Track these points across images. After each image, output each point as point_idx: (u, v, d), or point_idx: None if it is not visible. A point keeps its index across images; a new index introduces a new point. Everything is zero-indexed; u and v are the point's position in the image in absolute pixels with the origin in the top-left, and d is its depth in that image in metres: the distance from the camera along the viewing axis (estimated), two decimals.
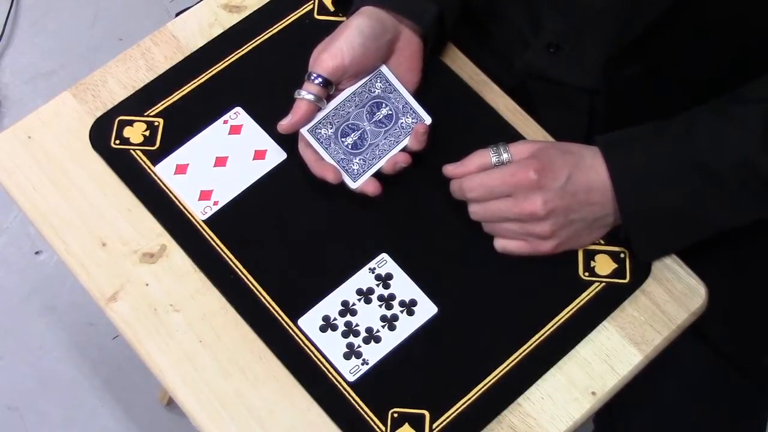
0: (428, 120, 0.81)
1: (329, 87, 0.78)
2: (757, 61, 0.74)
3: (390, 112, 0.81)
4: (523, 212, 0.73)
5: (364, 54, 0.78)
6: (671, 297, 0.78)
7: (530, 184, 0.72)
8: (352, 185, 0.79)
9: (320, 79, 0.77)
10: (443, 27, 0.83)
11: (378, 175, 0.80)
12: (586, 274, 0.78)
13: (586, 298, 0.77)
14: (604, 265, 0.78)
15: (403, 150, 0.80)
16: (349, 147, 0.80)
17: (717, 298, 0.78)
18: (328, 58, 0.77)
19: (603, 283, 0.78)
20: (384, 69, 0.81)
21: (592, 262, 0.78)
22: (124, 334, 0.76)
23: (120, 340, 1.36)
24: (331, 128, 0.80)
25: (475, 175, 0.75)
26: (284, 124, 0.78)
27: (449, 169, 0.78)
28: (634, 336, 0.76)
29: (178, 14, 0.92)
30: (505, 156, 0.75)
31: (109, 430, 1.44)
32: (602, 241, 0.79)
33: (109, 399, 1.46)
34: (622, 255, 0.79)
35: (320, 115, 0.79)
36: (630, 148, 0.74)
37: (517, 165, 0.74)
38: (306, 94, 0.78)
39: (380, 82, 0.81)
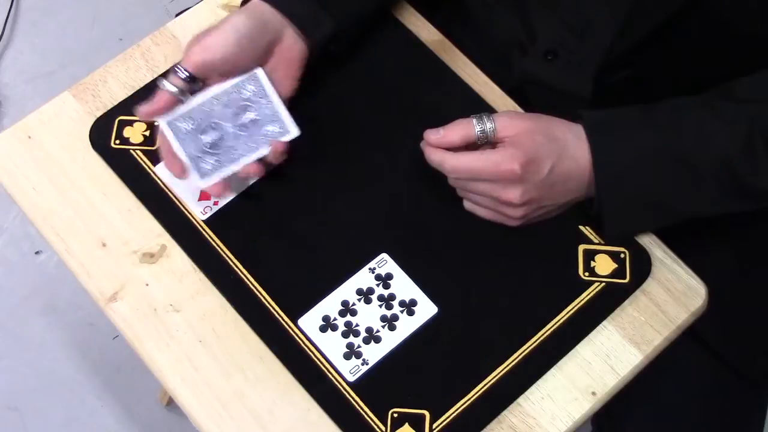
0: (294, 132, 0.77)
1: (195, 82, 0.75)
2: (744, 69, 0.74)
3: (257, 117, 0.77)
4: (500, 198, 0.74)
5: (238, 54, 0.75)
6: (671, 297, 0.78)
7: (513, 177, 0.72)
8: (200, 183, 0.77)
9: (185, 74, 0.74)
10: (338, 44, 0.81)
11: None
12: (586, 274, 0.78)
13: (586, 298, 0.77)
14: (604, 265, 0.78)
15: (262, 160, 0.77)
16: (207, 146, 0.76)
17: (714, 299, 0.78)
18: (198, 51, 0.74)
19: (603, 283, 0.78)
20: (259, 72, 0.77)
21: (592, 262, 0.78)
22: (124, 334, 0.76)
23: (120, 340, 1.36)
24: (191, 123, 0.76)
25: (458, 158, 0.74)
26: (142, 111, 0.75)
27: (432, 139, 0.74)
28: (634, 336, 0.76)
29: (178, 14, 0.92)
30: (489, 126, 0.73)
31: (109, 430, 1.44)
32: (602, 241, 0.79)
33: (109, 399, 1.46)
34: (622, 255, 0.79)
35: (183, 108, 0.76)
36: (616, 134, 0.74)
37: (502, 155, 0.73)
38: (169, 86, 0.74)
39: (253, 84, 0.76)
